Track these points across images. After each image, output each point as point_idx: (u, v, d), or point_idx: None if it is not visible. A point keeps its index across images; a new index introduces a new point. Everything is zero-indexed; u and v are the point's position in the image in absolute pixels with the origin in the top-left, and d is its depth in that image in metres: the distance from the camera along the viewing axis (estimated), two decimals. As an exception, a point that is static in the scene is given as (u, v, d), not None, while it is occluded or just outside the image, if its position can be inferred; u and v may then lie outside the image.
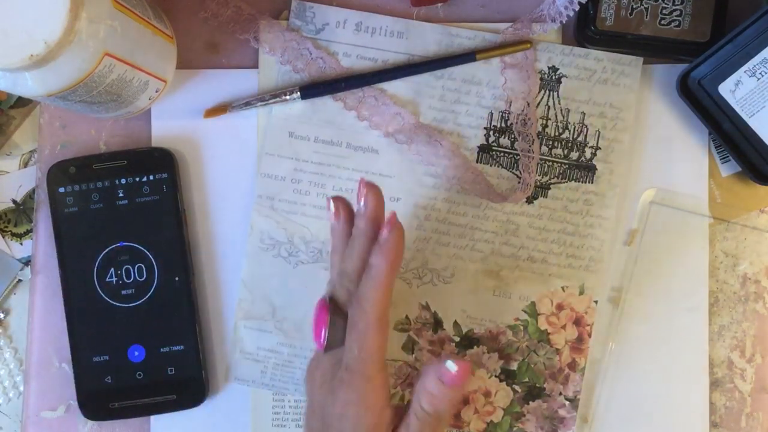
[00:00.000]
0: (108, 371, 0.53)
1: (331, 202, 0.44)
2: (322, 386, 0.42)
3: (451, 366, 0.39)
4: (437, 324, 0.53)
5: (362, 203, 0.42)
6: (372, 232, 0.42)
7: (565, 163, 0.53)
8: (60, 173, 0.53)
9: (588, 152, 0.53)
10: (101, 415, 0.53)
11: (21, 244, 0.56)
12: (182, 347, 0.53)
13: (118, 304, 0.53)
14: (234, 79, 0.54)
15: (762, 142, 0.50)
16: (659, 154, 0.53)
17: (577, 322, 0.53)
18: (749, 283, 0.53)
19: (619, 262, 0.53)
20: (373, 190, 0.42)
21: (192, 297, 0.53)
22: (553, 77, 0.53)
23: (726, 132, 0.51)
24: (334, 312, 0.42)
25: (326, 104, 0.53)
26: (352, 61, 0.53)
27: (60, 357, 0.54)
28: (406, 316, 0.53)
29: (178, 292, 0.53)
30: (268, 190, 0.53)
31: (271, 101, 0.53)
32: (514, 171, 0.53)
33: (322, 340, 0.42)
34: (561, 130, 0.53)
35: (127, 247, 0.53)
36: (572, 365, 0.52)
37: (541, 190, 0.53)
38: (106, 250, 0.53)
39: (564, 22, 0.51)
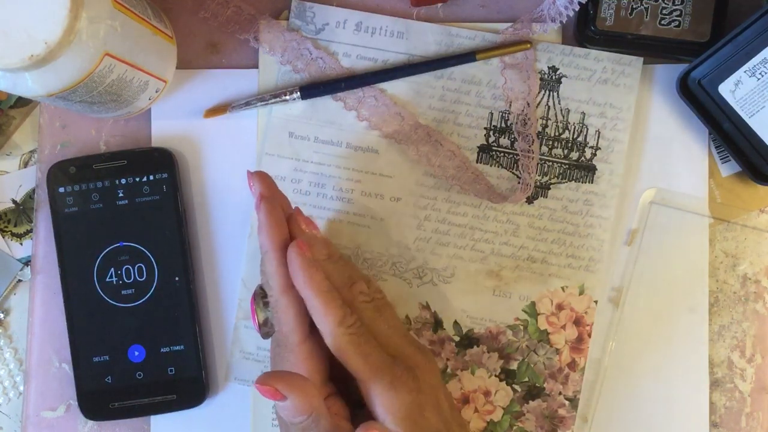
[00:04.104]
0: (108, 371, 0.53)
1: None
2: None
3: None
4: (437, 324, 0.53)
5: (252, 192, 0.44)
6: (273, 215, 0.44)
7: (565, 163, 0.53)
8: (60, 173, 0.53)
9: (588, 152, 0.53)
10: (101, 415, 0.53)
11: (21, 244, 0.56)
12: (182, 347, 0.53)
13: (118, 304, 0.53)
14: (234, 79, 0.54)
15: (762, 142, 0.50)
16: (659, 154, 0.53)
17: (577, 322, 0.53)
18: (749, 283, 0.53)
19: (619, 262, 0.53)
20: (256, 176, 0.44)
21: (192, 297, 0.53)
22: (553, 77, 0.53)
23: (726, 132, 0.51)
24: (260, 296, 0.44)
25: (326, 104, 0.53)
26: (352, 61, 0.53)
27: (60, 357, 0.54)
28: (406, 316, 0.53)
29: (178, 292, 0.53)
30: (268, 190, 0.53)
31: (271, 101, 0.53)
32: (514, 171, 0.53)
33: (256, 325, 0.44)
34: (561, 130, 0.53)
35: (127, 247, 0.53)
36: (572, 365, 0.53)
37: (541, 190, 0.53)
38: (106, 250, 0.53)
39: (564, 22, 0.51)
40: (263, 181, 0.44)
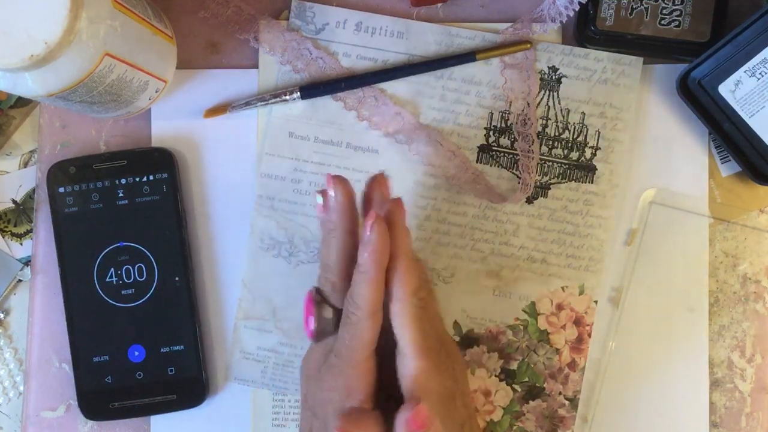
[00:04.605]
0: (108, 371, 0.53)
1: (318, 195, 0.44)
2: (310, 376, 0.44)
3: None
4: (437, 324, 0.53)
5: (332, 197, 0.43)
6: (346, 224, 0.43)
7: (565, 163, 0.53)
8: (60, 173, 0.53)
9: (588, 152, 0.53)
10: (101, 415, 0.53)
11: (21, 244, 0.56)
12: (182, 347, 0.53)
13: (118, 304, 0.53)
14: (234, 79, 0.54)
15: (762, 142, 0.50)
16: (659, 154, 0.53)
17: (577, 322, 0.53)
18: (749, 283, 0.53)
19: (619, 262, 0.53)
20: (340, 183, 0.43)
21: (192, 297, 0.53)
22: (553, 77, 0.53)
23: (726, 132, 0.51)
24: (321, 302, 0.43)
25: (326, 104, 0.53)
26: (352, 61, 0.53)
27: (60, 357, 0.54)
28: (406, 316, 0.53)
29: (178, 292, 0.53)
30: (268, 190, 0.53)
31: (271, 101, 0.53)
32: (514, 171, 0.53)
33: (310, 329, 0.43)
34: (561, 130, 0.53)
35: (127, 247, 0.53)
36: (572, 365, 0.53)
37: (541, 190, 0.53)
38: (106, 250, 0.53)
39: (564, 22, 0.52)
40: (345, 190, 0.43)
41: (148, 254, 0.53)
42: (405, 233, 0.42)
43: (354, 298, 0.41)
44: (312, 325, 0.43)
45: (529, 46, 0.52)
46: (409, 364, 0.41)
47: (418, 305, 0.41)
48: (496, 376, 0.53)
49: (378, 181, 0.44)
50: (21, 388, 0.56)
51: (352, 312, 0.41)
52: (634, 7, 0.51)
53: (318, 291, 0.44)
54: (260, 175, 0.53)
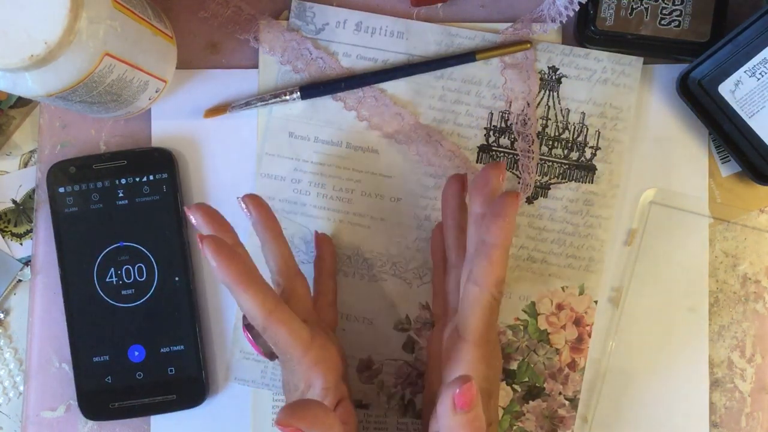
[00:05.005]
0: (108, 371, 0.53)
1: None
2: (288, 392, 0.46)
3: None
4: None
5: (248, 215, 0.47)
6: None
7: (565, 163, 0.53)
8: (60, 173, 0.53)
9: (588, 152, 0.53)
10: (101, 415, 0.53)
11: (21, 244, 0.56)
12: (182, 347, 0.53)
13: (118, 304, 0.53)
14: (234, 79, 0.54)
15: (762, 142, 0.50)
16: (659, 154, 0.53)
17: (577, 322, 0.53)
18: (749, 283, 0.53)
19: (619, 262, 0.53)
20: (251, 200, 0.47)
21: (192, 297, 0.53)
22: (553, 77, 0.53)
23: (726, 132, 0.51)
24: (252, 326, 0.45)
25: (326, 104, 0.53)
26: (352, 61, 0.53)
27: (60, 357, 0.54)
28: (407, 316, 0.53)
29: (178, 292, 0.53)
30: (268, 190, 0.53)
31: (271, 101, 0.53)
32: (514, 171, 0.53)
33: (261, 355, 0.46)
34: (561, 130, 0.53)
35: (127, 247, 0.53)
36: (572, 365, 0.53)
37: (541, 190, 0.53)
38: (106, 250, 0.53)
39: (564, 22, 0.51)
40: (257, 205, 0.47)
41: (148, 254, 0.53)
42: (510, 226, 0.41)
43: (246, 314, 0.42)
44: (259, 350, 0.45)
45: (529, 46, 0.52)
46: (465, 348, 0.41)
47: (494, 297, 0.41)
48: (496, 376, 0.53)
49: (499, 168, 0.44)
50: (21, 388, 0.56)
51: (255, 325, 0.42)
52: (634, 7, 0.51)
53: (244, 316, 0.44)
54: (260, 175, 0.53)
